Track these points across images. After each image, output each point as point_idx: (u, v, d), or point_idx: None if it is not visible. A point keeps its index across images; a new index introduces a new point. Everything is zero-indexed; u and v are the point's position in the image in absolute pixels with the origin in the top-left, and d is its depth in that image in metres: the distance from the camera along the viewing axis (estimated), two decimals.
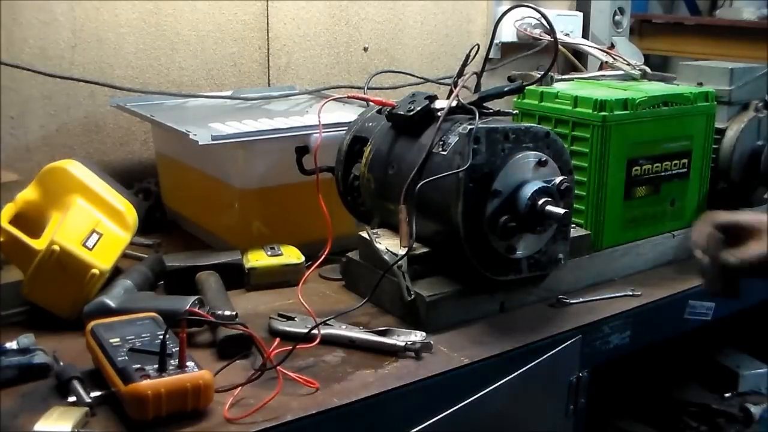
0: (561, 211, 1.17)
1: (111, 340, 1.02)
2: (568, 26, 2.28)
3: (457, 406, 1.08)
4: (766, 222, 1.11)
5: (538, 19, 2.01)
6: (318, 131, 1.33)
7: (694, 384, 2.07)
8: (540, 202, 1.17)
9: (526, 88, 1.42)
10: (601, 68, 1.87)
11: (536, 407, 1.24)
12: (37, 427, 0.90)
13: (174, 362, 0.97)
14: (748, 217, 1.14)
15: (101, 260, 1.20)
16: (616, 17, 2.42)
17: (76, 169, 1.27)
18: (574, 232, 1.36)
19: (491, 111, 1.27)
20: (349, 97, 1.59)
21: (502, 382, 1.13)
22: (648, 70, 1.69)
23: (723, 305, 1.50)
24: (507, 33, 2.17)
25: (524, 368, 1.16)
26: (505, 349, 1.16)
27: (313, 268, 1.29)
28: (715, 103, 1.55)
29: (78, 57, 1.68)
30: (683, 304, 1.43)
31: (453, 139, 1.22)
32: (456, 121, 1.25)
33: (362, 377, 1.07)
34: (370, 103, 1.43)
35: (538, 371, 1.18)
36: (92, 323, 1.07)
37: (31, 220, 1.22)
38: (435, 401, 1.07)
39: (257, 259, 1.37)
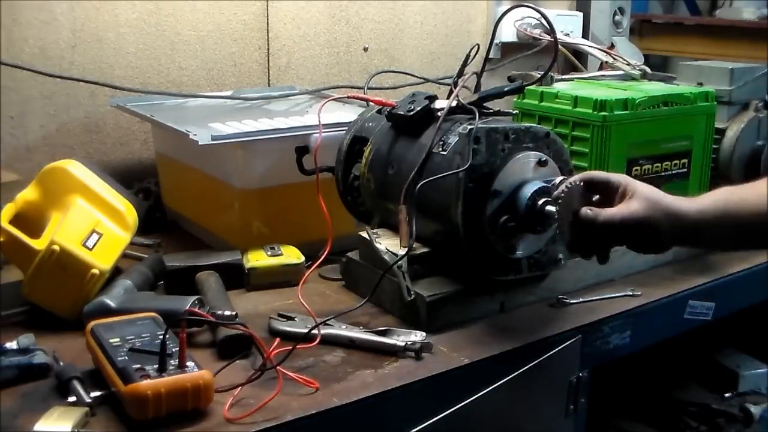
0: None
1: (111, 340, 1.02)
2: (568, 26, 2.28)
3: (457, 406, 1.08)
4: (636, 187, 1.09)
5: (538, 19, 2.01)
6: (318, 131, 1.33)
7: (694, 384, 2.07)
8: (540, 202, 1.16)
9: (526, 88, 1.42)
10: (601, 68, 1.87)
11: (536, 407, 1.24)
12: (37, 427, 0.90)
13: (174, 362, 0.97)
14: (620, 178, 1.12)
15: (101, 260, 1.20)
16: (616, 17, 2.42)
17: (76, 169, 1.27)
18: None
19: (491, 111, 1.28)
20: (349, 97, 1.59)
21: (502, 382, 1.13)
22: (648, 70, 1.69)
23: (723, 305, 1.50)
24: (507, 33, 2.17)
25: (524, 368, 1.16)
26: (505, 349, 1.16)
27: (313, 268, 1.29)
28: (715, 103, 1.55)
29: (78, 57, 1.68)
30: (683, 304, 1.43)
31: (453, 139, 1.22)
32: (456, 121, 1.25)
33: (362, 377, 1.07)
34: (370, 103, 1.43)
35: (538, 371, 1.18)
36: (92, 323, 1.07)
37: (31, 220, 1.22)
38: (435, 401, 1.07)
39: (257, 259, 1.37)
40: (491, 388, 1.11)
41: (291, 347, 1.08)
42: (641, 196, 1.08)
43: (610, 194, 1.11)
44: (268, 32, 1.93)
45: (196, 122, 1.45)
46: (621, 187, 1.10)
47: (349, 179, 1.41)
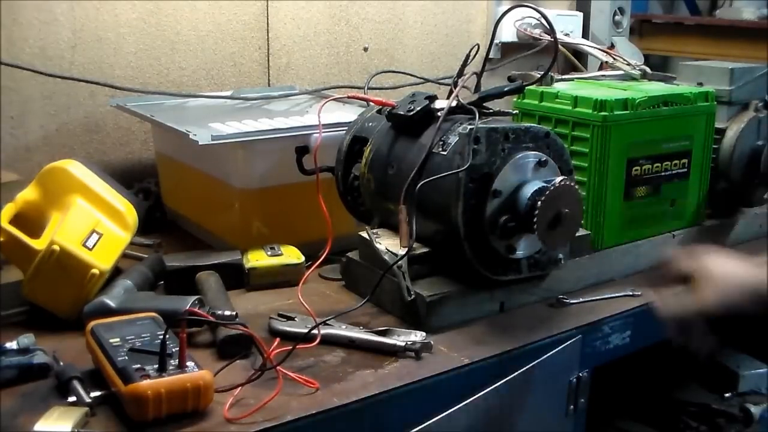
0: None
1: (111, 340, 1.02)
2: (568, 26, 2.28)
3: (457, 406, 1.08)
4: (710, 276, 1.04)
5: (538, 19, 2.00)
6: (318, 131, 1.33)
7: (694, 384, 2.07)
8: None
9: (526, 88, 1.42)
10: (601, 68, 1.87)
11: (536, 407, 1.24)
12: (37, 427, 0.90)
13: (174, 362, 0.97)
14: (698, 264, 1.08)
15: (101, 260, 1.20)
16: (616, 17, 2.42)
17: (76, 169, 1.27)
18: None
19: (491, 111, 1.28)
20: (349, 97, 1.59)
21: (502, 382, 1.13)
22: (648, 70, 1.69)
23: None
24: (507, 33, 2.17)
25: (524, 368, 1.16)
26: (505, 349, 1.16)
27: (313, 268, 1.29)
28: (715, 103, 1.55)
29: (78, 57, 1.68)
30: None
31: (453, 139, 1.22)
32: (456, 121, 1.25)
33: (362, 377, 1.07)
34: (370, 103, 1.43)
35: (538, 371, 1.18)
36: (92, 323, 1.07)
37: (31, 220, 1.22)
38: (435, 401, 1.07)
39: (257, 259, 1.37)
40: (491, 388, 1.12)
41: (291, 347, 1.08)
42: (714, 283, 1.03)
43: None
44: (268, 32, 1.93)
45: (196, 122, 1.45)
46: (693, 276, 1.06)
47: (349, 179, 1.41)
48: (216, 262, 1.35)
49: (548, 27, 1.35)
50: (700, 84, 1.64)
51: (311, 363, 1.10)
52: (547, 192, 1.15)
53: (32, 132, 1.65)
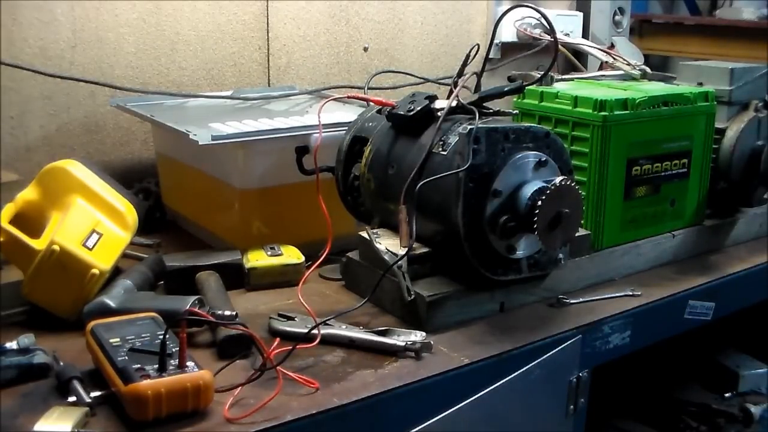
0: None
1: (111, 340, 1.02)
2: (568, 26, 2.29)
3: (457, 406, 1.08)
4: None
5: (538, 19, 2.01)
6: (318, 131, 1.33)
7: (694, 384, 2.07)
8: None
9: (526, 88, 1.42)
10: (601, 68, 1.87)
11: (536, 407, 1.24)
12: (37, 427, 0.90)
13: (174, 362, 0.97)
14: None
15: (101, 260, 1.20)
16: (616, 17, 2.42)
17: (76, 169, 1.27)
18: None
19: (491, 111, 1.28)
20: (349, 97, 1.59)
21: (502, 382, 1.13)
22: (648, 70, 1.69)
23: (723, 305, 1.50)
24: (507, 33, 2.17)
25: (524, 368, 1.16)
26: (505, 349, 1.16)
27: (313, 268, 1.29)
28: (715, 103, 1.55)
29: (78, 57, 1.68)
30: (683, 304, 1.43)
31: (453, 139, 1.22)
32: (456, 121, 1.25)
33: (362, 377, 1.07)
34: (370, 103, 1.43)
35: (538, 371, 1.18)
36: (92, 323, 1.07)
37: (31, 220, 1.22)
38: (435, 401, 1.07)
39: (257, 259, 1.37)
40: (491, 388, 1.12)
41: (291, 347, 1.08)
42: None
43: None
44: (268, 32, 1.93)
45: (196, 122, 1.45)
46: None
47: (349, 179, 1.41)
48: (216, 262, 1.35)
49: (548, 27, 1.35)
50: (700, 84, 1.64)
51: (311, 363, 1.10)
52: (547, 192, 1.15)
53: (32, 132, 1.65)
